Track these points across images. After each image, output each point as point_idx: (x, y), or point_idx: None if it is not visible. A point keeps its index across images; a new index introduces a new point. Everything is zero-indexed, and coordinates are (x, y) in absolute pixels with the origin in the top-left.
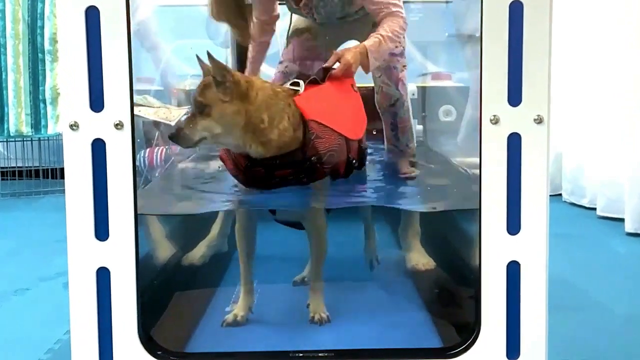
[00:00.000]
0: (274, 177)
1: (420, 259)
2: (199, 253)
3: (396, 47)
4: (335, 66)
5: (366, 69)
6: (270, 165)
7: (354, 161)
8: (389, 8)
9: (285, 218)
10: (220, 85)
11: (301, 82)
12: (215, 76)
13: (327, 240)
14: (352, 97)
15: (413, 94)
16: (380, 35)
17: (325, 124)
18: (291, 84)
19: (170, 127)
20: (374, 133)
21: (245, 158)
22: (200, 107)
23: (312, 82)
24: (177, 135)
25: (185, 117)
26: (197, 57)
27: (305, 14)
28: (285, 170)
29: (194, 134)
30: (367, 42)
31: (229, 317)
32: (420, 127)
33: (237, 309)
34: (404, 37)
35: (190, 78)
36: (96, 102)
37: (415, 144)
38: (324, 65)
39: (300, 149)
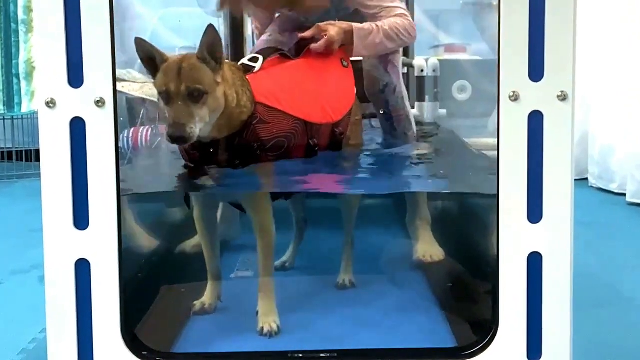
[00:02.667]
0: (209, 161)
1: (428, 249)
2: (193, 242)
3: (395, 46)
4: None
5: (350, 52)
6: (207, 150)
7: (316, 147)
8: (390, 8)
9: (230, 200)
10: (210, 65)
11: (260, 57)
12: (205, 55)
13: (273, 231)
14: (336, 74)
15: (434, 70)
16: (375, 25)
17: (277, 107)
18: (249, 60)
19: (167, 127)
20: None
21: None
22: (195, 95)
23: (283, 57)
24: (184, 135)
25: (170, 109)
26: (138, 40)
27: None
28: (221, 154)
29: (196, 128)
30: (356, 25)
31: (197, 305)
32: (443, 111)
33: (205, 297)
34: (405, 39)
35: (179, 50)
36: (75, 77)
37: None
38: (300, 35)
39: (239, 134)
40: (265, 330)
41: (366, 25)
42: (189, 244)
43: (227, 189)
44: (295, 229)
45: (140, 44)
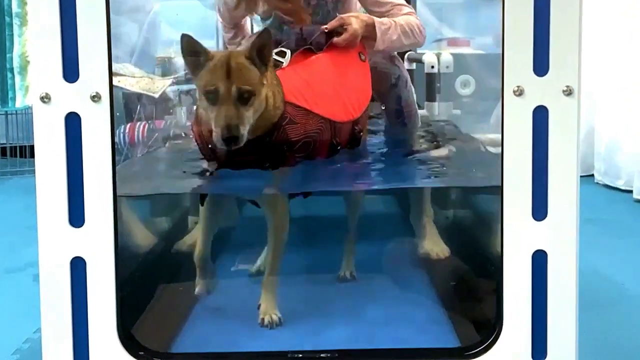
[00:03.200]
0: (237, 161)
1: (433, 246)
2: (189, 240)
3: (409, 43)
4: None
5: (370, 45)
6: (235, 151)
7: (338, 146)
8: (400, 6)
9: (248, 197)
10: (257, 66)
11: (288, 51)
12: (253, 56)
13: (287, 230)
14: (355, 69)
15: (447, 66)
16: (393, 21)
17: (304, 107)
18: (277, 53)
19: (214, 131)
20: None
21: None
22: (245, 96)
23: (307, 51)
24: (237, 136)
25: (219, 110)
26: (184, 36)
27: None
28: (250, 156)
29: (245, 130)
30: (376, 18)
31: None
32: (457, 111)
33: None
34: (418, 37)
35: (176, 44)
36: (70, 71)
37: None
38: (324, 28)
39: (269, 134)
40: (266, 321)
41: (384, 19)
42: (185, 242)
43: (250, 190)
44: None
45: (187, 40)
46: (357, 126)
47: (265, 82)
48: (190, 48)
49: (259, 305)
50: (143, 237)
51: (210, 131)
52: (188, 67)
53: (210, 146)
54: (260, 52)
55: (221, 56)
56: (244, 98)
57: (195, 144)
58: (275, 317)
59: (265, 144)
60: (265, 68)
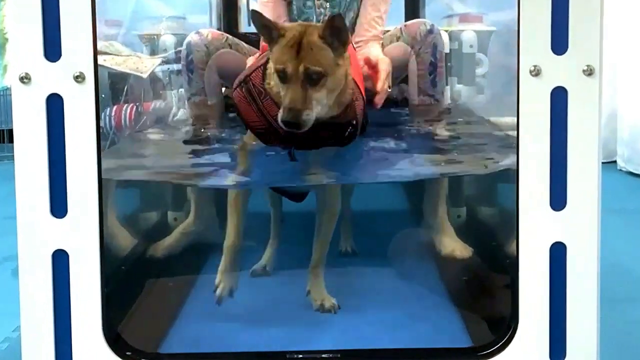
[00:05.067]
0: (310, 137)
1: (456, 245)
2: (168, 241)
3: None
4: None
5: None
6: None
7: (365, 123)
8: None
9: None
10: (333, 46)
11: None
12: (327, 36)
13: (338, 212)
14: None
15: (471, 45)
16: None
17: (358, 85)
18: None
19: (280, 111)
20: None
21: (278, 109)
22: (314, 77)
23: None
24: (299, 121)
25: (286, 90)
26: (254, 12)
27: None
28: (326, 132)
29: (312, 113)
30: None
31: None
32: (481, 96)
33: (225, 282)
34: None
35: (165, 20)
36: (52, 50)
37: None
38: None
39: (344, 111)
40: (327, 305)
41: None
42: (162, 245)
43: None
44: (272, 229)
45: (257, 17)
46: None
47: (340, 62)
48: (260, 23)
49: (308, 292)
50: (123, 238)
51: (279, 104)
52: (264, 40)
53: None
54: (335, 32)
55: (295, 32)
56: (313, 79)
57: (246, 119)
58: (333, 301)
59: (337, 122)
60: (343, 48)
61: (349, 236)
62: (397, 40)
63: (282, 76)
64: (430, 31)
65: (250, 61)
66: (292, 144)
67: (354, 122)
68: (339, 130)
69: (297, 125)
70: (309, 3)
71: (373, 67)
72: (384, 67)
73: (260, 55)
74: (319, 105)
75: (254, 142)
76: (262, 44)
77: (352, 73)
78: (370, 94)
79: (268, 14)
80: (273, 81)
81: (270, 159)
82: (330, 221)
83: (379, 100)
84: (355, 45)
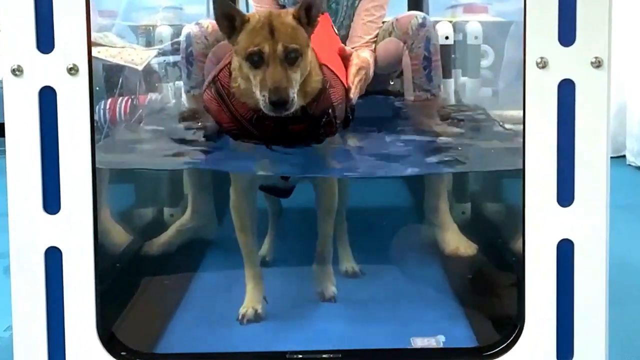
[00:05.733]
0: (284, 133)
1: (460, 242)
2: (163, 239)
3: None
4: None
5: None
6: (282, 119)
7: (350, 116)
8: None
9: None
10: (304, 25)
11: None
12: (302, 15)
13: (336, 200)
14: (336, 39)
15: (476, 37)
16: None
17: (335, 71)
18: None
19: (262, 95)
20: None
21: (248, 109)
22: (292, 56)
23: None
24: (287, 99)
25: (264, 72)
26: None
27: None
28: (299, 124)
29: (295, 94)
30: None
31: (249, 312)
32: (487, 89)
33: (250, 301)
34: None
35: (162, 11)
36: (44, 41)
37: None
38: None
39: (316, 100)
40: (327, 295)
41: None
42: (158, 242)
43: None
44: (270, 219)
45: (221, 3)
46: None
47: (309, 43)
48: (224, 10)
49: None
50: (118, 235)
51: (248, 103)
52: (222, 31)
53: (252, 119)
54: (308, 11)
55: (261, 17)
56: (291, 58)
57: (218, 120)
58: (334, 289)
59: (310, 112)
60: (312, 29)
61: (349, 258)
62: (390, 36)
63: (257, 59)
64: (423, 24)
65: None
66: (265, 142)
67: (330, 110)
68: (312, 121)
69: (284, 105)
70: None
71: (345, 58)
72: (357, 62)
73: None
74: (296, 88)
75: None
76: None
77: (328, 60)
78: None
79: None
80: (241, 75)
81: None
82: (328, 215)
83: (352, 95)
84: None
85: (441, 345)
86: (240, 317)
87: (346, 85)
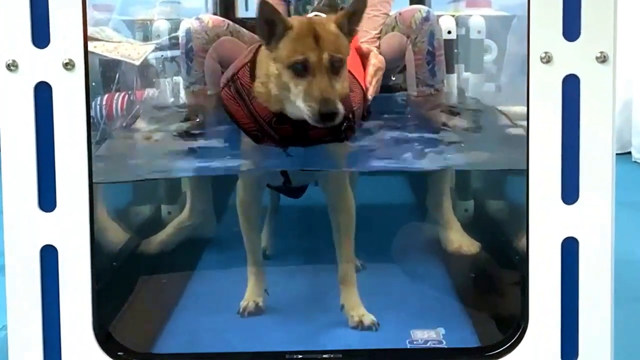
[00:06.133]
0: (304, 137)
1: (463, 240)
2: (161, 237)
3: None
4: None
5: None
6: (302, 124)
7: (365, 115)
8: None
9: (297, 182)
10: (345, 33)
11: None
12: (344, 23)
13: (354, 210)
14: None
15: (479, 31)
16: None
17: (354, 74)
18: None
19: (309, 105)
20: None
21: (268, 111)
22: (336, 65)
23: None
24: (337, 111)
25: (309, 82)
26: (262, 2)
27: None
28: (321, 130)
29: (340, 104)
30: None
31: (250, 305)
32: (490, 85)
33: (251, 295)
34: None
35: (159, 5)
36: (40, 36)
37: None
38: None
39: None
40: (367, 322)
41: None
42: (155, 240)
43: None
44: (268, 215)
45: (267, 8)
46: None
47: (349, 52)
48: (268, 16)
49: (342, 306)
50: (115, 233)
51: (271, 107)
52: (261, 36)
53: (272, 121)
54: (350, 20)
55: (303, 24)
56: (335, 68)
57: (236, 120)
58: (372, 318)
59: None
60: (350, 37)
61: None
62: (393, 30)
63: (301, 68)
64: (426, 19)
65: None
66: (286, 144)
67: (350, 115)
68: (333, 127)
69: (334, 117)
70: (309, 7)
71: (364, 56)
72: (374, 62)
73: (247, 50)
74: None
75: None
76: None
77: (350, 64)
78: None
79: None
80: (277, 82)
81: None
82: (347, 220)
83: (369, 95)
84: None
85: (441, 338)
86: (241, 310)
87: (364, 87)
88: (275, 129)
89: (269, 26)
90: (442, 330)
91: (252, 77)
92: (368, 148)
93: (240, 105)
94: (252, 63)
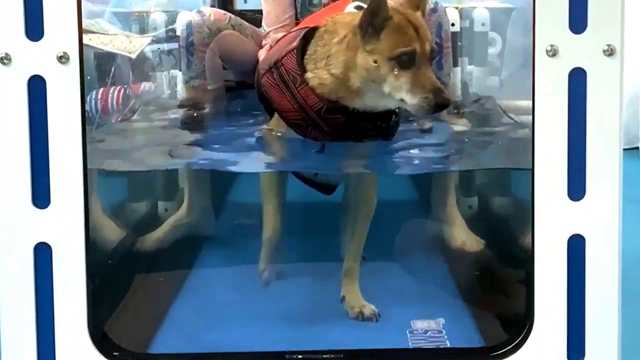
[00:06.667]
0: (353, 129)
1: (467, 237)
2: (157, 235)
3: None
4: None
5: None
6: (355, 114)
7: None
8: None
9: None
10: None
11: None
12: (424, 13)
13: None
14: None
15: (483, 24)
16: None
17: None
18: (356, 8)
19: (422, 95)
20: None
21: (318, 100)
22: (432, 56)
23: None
24: (449, 100)
25: (415, 73)
26: None
27: None
28: (371, 122)
29: None
30: None
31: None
32: (494, 78)
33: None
34: None
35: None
36: (34, 29)
37: None
38: None
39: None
40: (367, 313)
41: None
42: (152, 238)
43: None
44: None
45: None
46: None
47: None
48: (378, 5)
49: (343, 298)
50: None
51: (325, 97)
52: (363, 26)
53: (321, 110)
54: (423, 11)
55: (401, 14)
56: (431, 58)
57: (279, 109)
58: (373, 308)
59: (383, 108)
60: None
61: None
62: None
63: (407, 60)
64: (434, 9)
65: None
66: (333, 137)
67: (397, 109)
68: (384, 119)
69: (446, 107)
70: (315, 1)
71: None
72: None
73: (290, 36)
74: None
75: (281, 130)
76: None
77: None
78: None
79: (272, 8)
80: (371, 74)
81: (298, 143)
82: (367, 217)
83: None
84: None
85: (440, 328)
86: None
87: None
88: (324, 119)
89: (372, 16)
90: (442, 320)
91: (300, 63)
92: (397, 148)
93: (284, 92)
94: (302, 49)
